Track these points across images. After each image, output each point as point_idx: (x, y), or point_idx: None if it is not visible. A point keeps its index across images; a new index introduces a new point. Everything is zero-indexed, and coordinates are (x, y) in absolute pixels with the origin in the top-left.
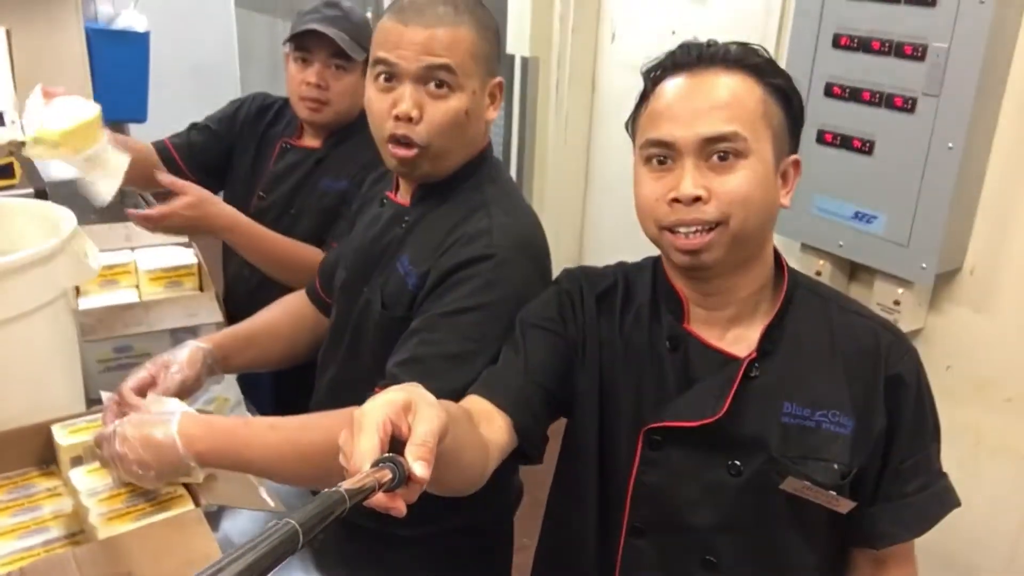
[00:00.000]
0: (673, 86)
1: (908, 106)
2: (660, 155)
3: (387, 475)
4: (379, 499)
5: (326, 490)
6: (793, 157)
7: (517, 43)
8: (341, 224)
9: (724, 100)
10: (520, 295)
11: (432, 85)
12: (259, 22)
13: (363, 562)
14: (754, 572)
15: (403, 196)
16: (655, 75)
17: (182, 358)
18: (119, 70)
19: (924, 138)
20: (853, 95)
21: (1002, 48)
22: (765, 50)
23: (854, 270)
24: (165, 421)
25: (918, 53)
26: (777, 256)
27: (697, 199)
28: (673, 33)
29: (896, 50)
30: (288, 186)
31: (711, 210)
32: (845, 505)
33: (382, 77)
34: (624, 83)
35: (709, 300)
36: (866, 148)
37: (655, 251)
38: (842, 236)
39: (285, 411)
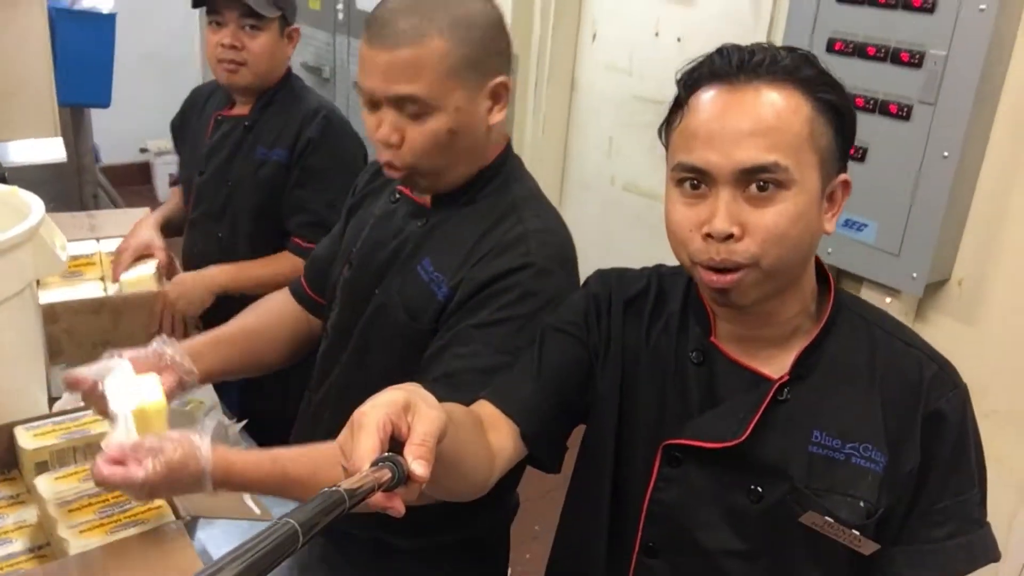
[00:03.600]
0: (709, 101)
1: (903, 113)
2: (693, 179)
3: (386, 475)
4: (378, 498)
5: (325, 489)
6: (842, 177)
7: None
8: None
9: (766, 124)
10: (554, 306)
11: (407, 110)
12: None
13: (355, 574)
14: None
15: (421, 194)
16: (690, 83)
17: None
18: (83, 52)
19: (919, 146)
20: None
21: (999, 57)
22: (815, 58)
23: (839, 277)
24: (198, 476)
25: (915, 60)
26: (824, 276)
27: (730, 236)
28: (656, 35)
29: (892, 56)
30: (222, 157)
31: (742, 249)
32: (868, 547)
33: (366, 102)
34: (604, 83)
35: (741, 321)
36: (859, 155)
37: (627, 251)
38: (831, 244)
39: (252, 415)
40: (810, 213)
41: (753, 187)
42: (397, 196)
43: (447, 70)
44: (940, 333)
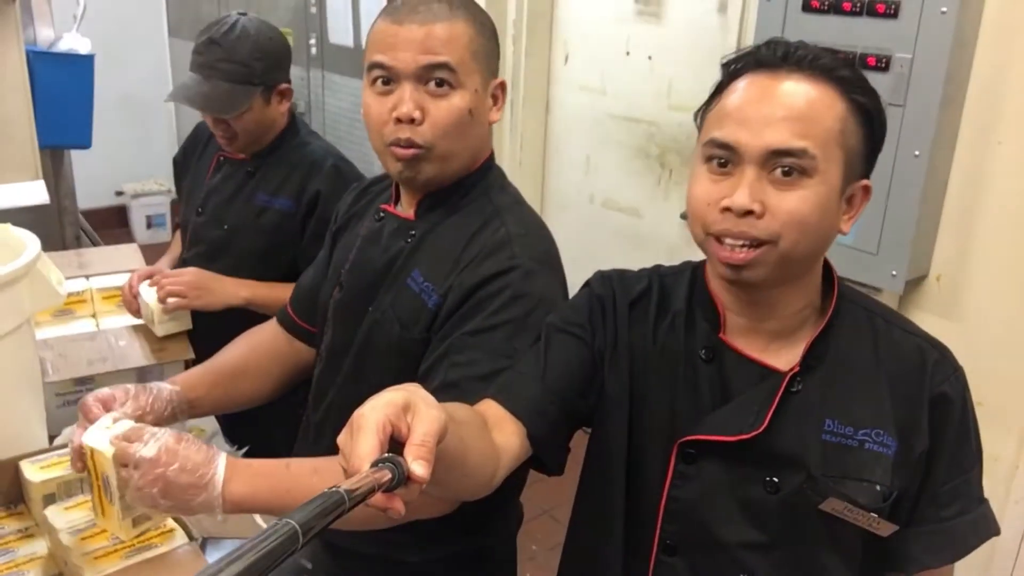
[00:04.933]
0: (749, 85)
1: None
2: (721, 157)
3: (386, 476)
4: (378, 499)
5: (325, 490)
6: (863, 182)
7: None
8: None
9: (800, 111)
10: (545, 304)
11: (432, 84)
12: None
13: None
14: None
15: (405, 209)
16: (734, 68)
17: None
18: (62, 94)
19: (890, 147)
20: None
21: (962, 56)
22: (854, 63)
23: None
24: (209, 464)
25: (882, 64)
26: (828, 269)
27: (749, 212)
28: (627, 54)
29: (860, 62)
30: (221, 199)
31: (762, 226)
32: (887, 528)
33: (379, 81)
34: (578, 103)
35: (751, 311)
36: None
37: (611, 266)
38: None
39: (241, 441)
40: (830, 206)
41: (778, 171)
42: (382, 215)
43: (473, 51)
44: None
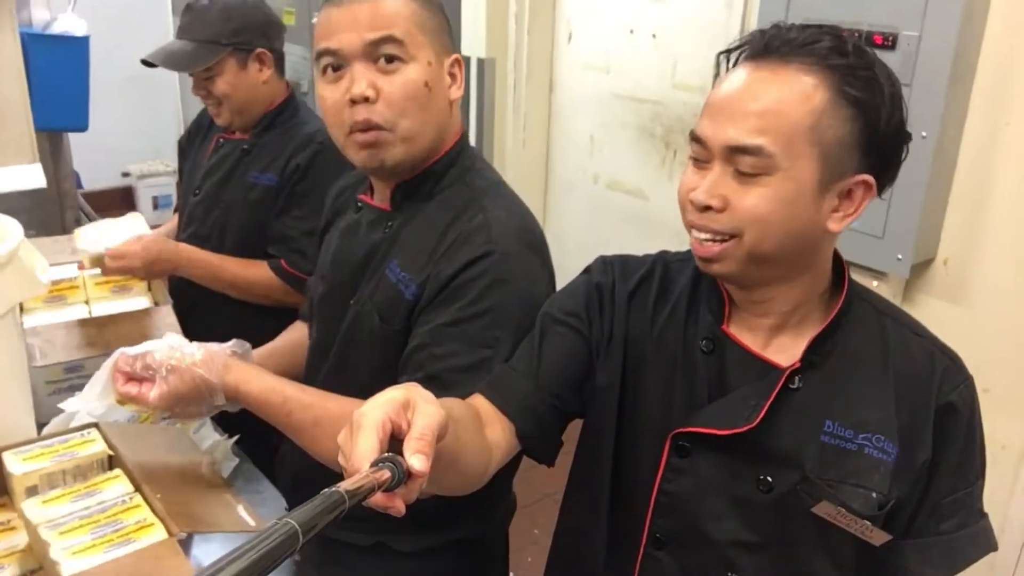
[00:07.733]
0: (730, 77)
1: None
2: (698, 152)
3: (386, 475)
4: (378, 498)
5: (325, 490)
6: (861, 177)
7: (473, 44)
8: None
9: (763, 106)
10: (526, 290)
11: (382, 61)
12: None
13: None
14: None
15: (381, 199)
16: (726, 59)
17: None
18: (58, 76)
19: None
20: None
21: (972, 36)
22: (860, 49)
23: None
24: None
25: (889, 42)
26: (840, 266)
27: (708, 208)
28: (631, 32)
29: (866, 39)
30: (217, 179)
31: (724, 220)
32: (879, 537)
33: (329, 69)
34: (582, 83)
35: (752, 306)
36: None
37: (616, 249)
38: None
39: (226, 428)
40: (798, 203)
41: (741, 166)
42: (360, 205)
43: (419, 24)
44: (928, 314)
